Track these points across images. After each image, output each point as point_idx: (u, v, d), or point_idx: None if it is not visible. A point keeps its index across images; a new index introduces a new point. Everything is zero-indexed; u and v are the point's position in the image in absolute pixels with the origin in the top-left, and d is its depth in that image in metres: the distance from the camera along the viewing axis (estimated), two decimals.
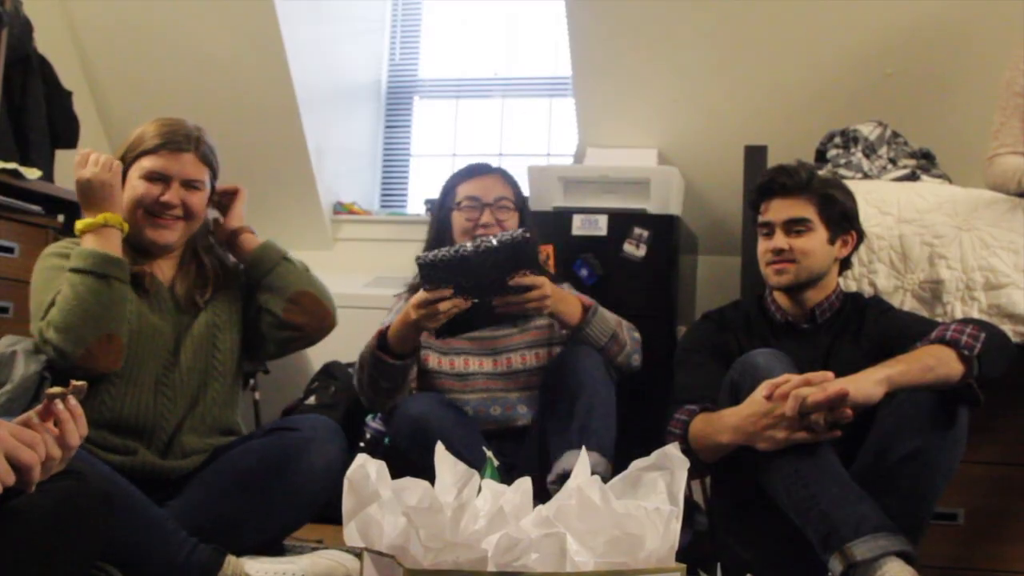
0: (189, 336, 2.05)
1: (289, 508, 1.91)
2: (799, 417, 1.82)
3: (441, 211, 2.50)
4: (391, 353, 2.23)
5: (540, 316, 2.25)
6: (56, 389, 1.37)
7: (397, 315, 2.33)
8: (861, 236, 2.27)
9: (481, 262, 2.02)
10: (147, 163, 2.04)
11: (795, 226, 2.18)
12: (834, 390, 1.81)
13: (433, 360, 2.42)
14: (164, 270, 2.10)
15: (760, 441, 1.88)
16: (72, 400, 1.37)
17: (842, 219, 2.21)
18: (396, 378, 2.26)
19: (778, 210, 2.20)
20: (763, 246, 2.23)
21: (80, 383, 1.40)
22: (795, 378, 1.86)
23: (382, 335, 2.24)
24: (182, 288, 2.08)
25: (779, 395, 1.85)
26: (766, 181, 2.24)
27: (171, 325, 2.05)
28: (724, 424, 1.96)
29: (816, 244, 2.18)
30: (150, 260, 2.08)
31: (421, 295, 2.08)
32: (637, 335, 2.41)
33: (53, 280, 1.95)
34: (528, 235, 2.06)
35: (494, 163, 2.65)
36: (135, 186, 2.04)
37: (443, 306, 2.05)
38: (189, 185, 2.05)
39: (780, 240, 2.18)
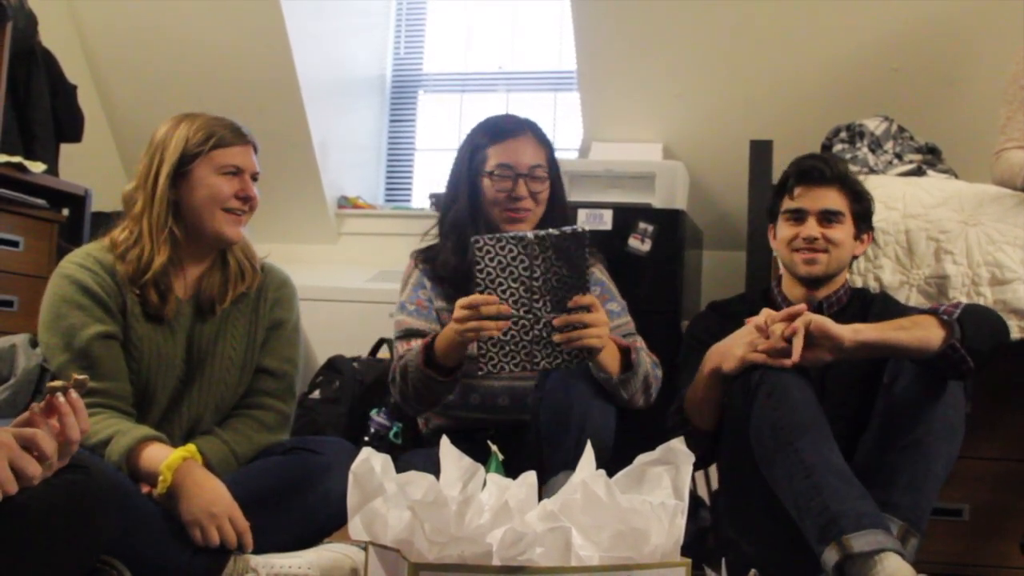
0: (200, 362, 2.00)
1: (302, 530, 1.88)
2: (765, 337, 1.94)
3: (470, 173, 2.24)
4: (438, 368, 2.02)
5: (580, 364, 1.91)
6: (57, 383, 1.38)
7: (417, 295, 2.24)
8: (872, 237, 2.31)
9: (536, 253, 1.83)
10: (222, 158, 1.97)
11: (829, 217, 2.18)
12: (795, 309, 1.93)
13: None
14: (191, 273, 2.03)
15: (726, 361, 1.98)
16: (73, 394, 1.38)
17: (866, 216, 2.24)
18: (445, 393, 2.10)
19: (815, 198, 2.18)
20: (789, 232, 2.20)
21: (82, 376, 1.40)
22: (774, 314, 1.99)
23: (428, 348, 2.03)
24: (205, 293, 2.02)
25: (751, 321, 1.99)
26: (805, 167, 2.21)
27: (183, 347, 1.99)
28: (704, 364, 2.05)
29: (846, 236, 2.19)
30: (182, 267, 2.01)
31: (469, 298, 1.86)
32: (660, 373, 2.18)
33: (63, 318, 1.90)
34: (587, 231, 1.83)
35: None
36: (214, 183, 1.96)
37: (489, 310, 1.83)
38: (255, 178, 2.03)
39: (813, 228, 2.17)
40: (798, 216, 2.20)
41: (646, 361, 2.12)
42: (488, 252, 1.83)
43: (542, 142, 2.29)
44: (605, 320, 1.89)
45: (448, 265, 2.22)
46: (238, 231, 2.00)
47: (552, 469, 1.95)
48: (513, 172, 2.21)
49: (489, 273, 1.84)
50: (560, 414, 2.00)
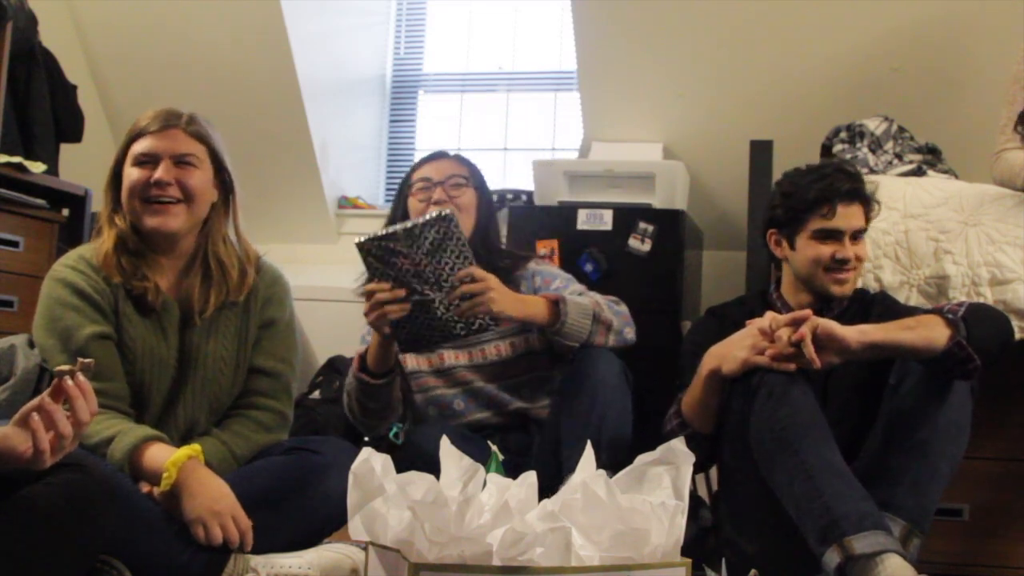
0: (193, 362, 1.99)
1: (302, 530, 1.87)
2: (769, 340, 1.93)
3: (399, 202, 2.47)
4: (371, 373, 2.18)
5: (496, 324, 2.05)
6: (65, 367, 1.41)
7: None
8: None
9: (412, 243, 1.94)
10: (137, 147, 1.96)
11: (857, 235, 2.15)
12: (800, 314, 1.92)
13: (411, 361, 2.38)
14: (169, 276, 2.01)
15: (726, 363, 1.97)
16: (80, 377, 1.41)
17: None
18: (380, 398, 2.21)
19: (849, 217, 2.13)
20: (823, 251, 2.13)
21: (88, 360, 1.44)
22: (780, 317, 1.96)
23: (362, 357, 2.20)
24: (186, 301, 2.00)
25: (750, 323, 1.98)
26: (845, 189, 2.14)
27: (175, 347, 1.98)
28: (702, 366, 2.04)
29: (867, 250, 2.20)
30: (156, 262, 1.99)
31: (362, 288, 2.04)
32: (623, 308, 2.27)
33: (59, 320, 1.90)
34: (449, 213, 1.95)
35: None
36: (128, 174, 1.95)
37: (381, 296, 1.96)
38: (181, 161, 1.95)
39: (850, 249, 2.13)
40: (834, 236, 2.14)
41: (586, 303, 2.17)
42: (369, 251, 1.95)
43: (464, 163, 2.46)
44: (493, 285, 2.00)
45: None
46: (166, 222, 1.94)
47: (569, 469, 1.97)
48: (431, 182, 2.38)
49: (376, 269, 1.97)
50: (582, 416, 2.06)
